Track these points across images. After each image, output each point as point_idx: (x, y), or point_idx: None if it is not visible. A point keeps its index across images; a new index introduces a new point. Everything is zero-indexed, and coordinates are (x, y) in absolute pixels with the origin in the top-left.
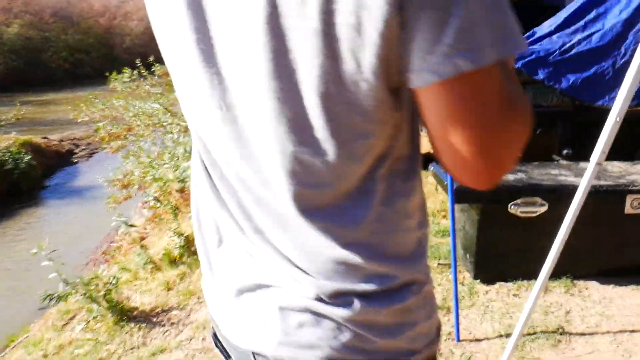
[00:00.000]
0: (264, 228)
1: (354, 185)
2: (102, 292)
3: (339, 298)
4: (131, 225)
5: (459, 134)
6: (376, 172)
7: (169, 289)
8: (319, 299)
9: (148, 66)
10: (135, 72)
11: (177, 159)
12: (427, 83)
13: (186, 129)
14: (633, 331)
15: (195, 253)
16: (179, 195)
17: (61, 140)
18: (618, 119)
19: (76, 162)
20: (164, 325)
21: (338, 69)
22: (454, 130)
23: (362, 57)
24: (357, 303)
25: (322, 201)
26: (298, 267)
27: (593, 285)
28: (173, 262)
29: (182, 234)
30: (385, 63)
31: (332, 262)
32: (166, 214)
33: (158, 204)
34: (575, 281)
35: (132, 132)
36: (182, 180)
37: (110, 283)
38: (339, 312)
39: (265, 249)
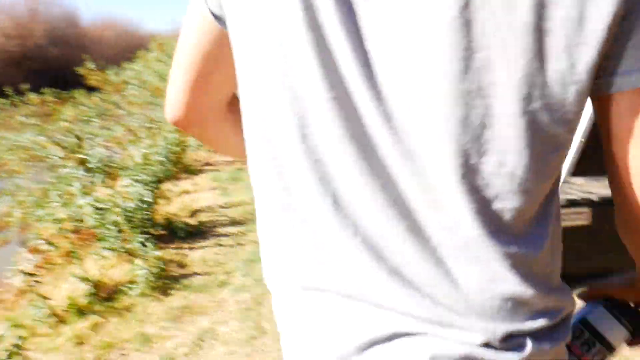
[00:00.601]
0: (404, 267)
1: (536, 207)
2: (3, 358)
3: (510, 341)
4: (29, 274)
5: None
6: (554, 192)
7: (80, 344)
8: (486, 345)
9: (20, 94)
10: (7, 101)
11: (69, 196)
12: (636, 86)
13: (82, 162)
14: None
15: (108, 299)
16: (74, 236)
17: None
18: (582, 140)
19: None
20: None
21: (546, 69)
22: None
23: (579, 55)
24: (529, 344)
25: (504, 225)
26: (449, 308)
27: None
28: (81, 312)
29: (87, 279)
30: (601, 62)
31: (498, 299)
32: (61, 257)
33: (50, 248)
34: None
35: (3, 168)
36: (78, 220)
37: (14, 345)
38: (509, 357)
39: (401, 292)
